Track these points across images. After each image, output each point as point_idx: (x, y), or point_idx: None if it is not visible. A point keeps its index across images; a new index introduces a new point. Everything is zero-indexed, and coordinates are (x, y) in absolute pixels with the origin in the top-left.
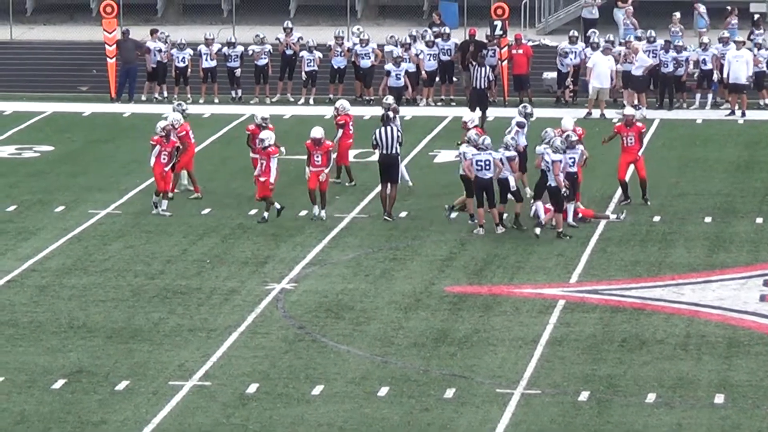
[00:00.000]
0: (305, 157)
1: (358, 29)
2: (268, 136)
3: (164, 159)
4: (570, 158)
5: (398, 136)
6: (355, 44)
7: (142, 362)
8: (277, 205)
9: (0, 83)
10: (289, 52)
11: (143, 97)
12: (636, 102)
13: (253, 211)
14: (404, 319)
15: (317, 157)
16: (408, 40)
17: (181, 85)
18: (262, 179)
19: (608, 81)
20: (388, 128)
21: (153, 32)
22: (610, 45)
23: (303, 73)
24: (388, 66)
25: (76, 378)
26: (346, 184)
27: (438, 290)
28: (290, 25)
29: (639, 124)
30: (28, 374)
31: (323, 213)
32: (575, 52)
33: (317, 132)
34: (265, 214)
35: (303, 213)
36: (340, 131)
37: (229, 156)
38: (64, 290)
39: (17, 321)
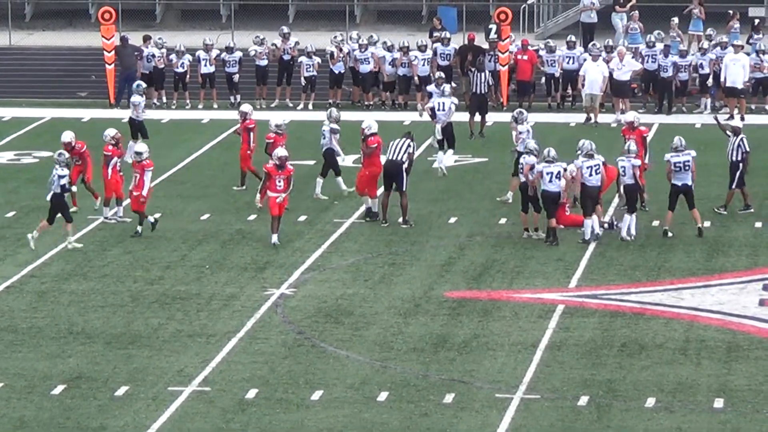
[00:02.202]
0: (306, 162)
1: (357, 34)
2: (144, 149)
3: (119, 168)
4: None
5: (409, 145)
6: (353, 49)
7: (141, 368)
8: (151, 219)
9: None
10: (286, 57)
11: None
12: (622, 107)
13: (252, 217)
14: (403, 324)
15: (279, 181)
16: (405, 43)
17: (180, 90)
18: (135, 193)
19: (599, 87)
20: (402, 140)
21: (146, 39)
22: (599, 51)
23: (302, 79)
24: (431, 87)
25: (75, 384)
26: (235, 188)
27: (437, 295)
28: (287, 30)
29: (642, 128)
30: (28, 380)
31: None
32: (573, 57)
33: (282, 152)
34: (139, 228)
35: (302, 218)
36: (252, 135)
37: (228, 161)
38: (63, 296)
39: (16, 327)
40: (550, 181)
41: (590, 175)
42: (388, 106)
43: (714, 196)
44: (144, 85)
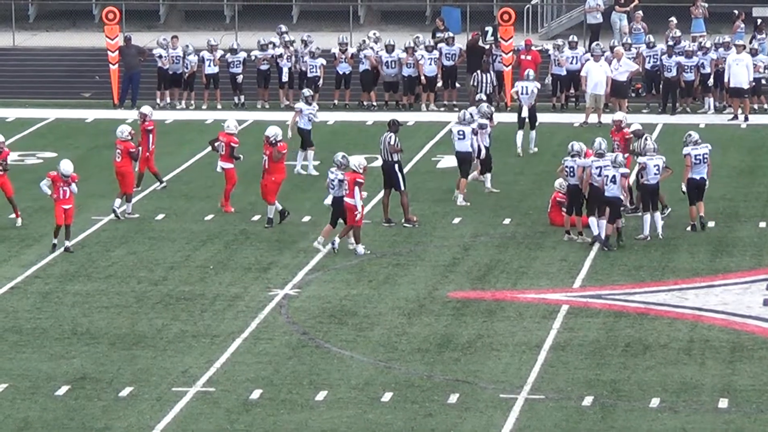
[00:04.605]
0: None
1: (374, 34)
2: (69, 166)
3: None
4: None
5: (389, 141)
6: (367, 48)
7: (145, 368)
8: (57, 241)
9: (3, 90)
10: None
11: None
12: (622, 108)
13: (256, 217)
14: (407, 324)
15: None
16: (410, 43)
17: (186, 90)
18: (65, 206)
19: (603, 87)
20: (384, 136)
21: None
22: (601, 51)
23: (284, 76)
24: (471, 109)
25: (79, 384)
26: (158, 188)
27: (441, 296)
28: (284, 29)
29: (626, 130)
30: (32, 381)
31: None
32: (576, 57)
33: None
34: (68, 243)
35: (306, 219)
36: (150, 137)
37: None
38: (67, 297)
39: (21, 327)
40: (571, 175)
41: (598, 175)
42: (391, 106)
43: (718, 196)
44: (309, 92)
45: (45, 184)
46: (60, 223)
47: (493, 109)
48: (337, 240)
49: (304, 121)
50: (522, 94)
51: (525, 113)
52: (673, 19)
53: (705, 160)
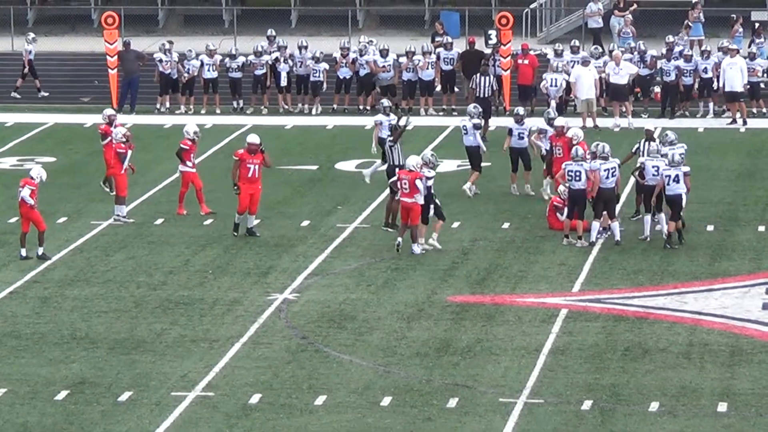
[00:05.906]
0: (309, 167)
1: (364, 39)
2: (39, 173)
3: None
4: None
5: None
6: (368, 53)
7: (144, 373)
8: (25, 251)
9: (1, 94)
10: (270, 60)
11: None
12: (623, 110)
13: (255, 222)
14: (407, 328)
15: (405, 183)
16: (412, 48)
17: (185, 95)
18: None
19: (593, 91)
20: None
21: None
22: (589, 57)
23: (282, 80)
24: (511, 124)
25: (78, 389)
26: (107, 190)
27: (440, 300)
28: (273, 33)
29: (569, 135)
30: (31, 386)
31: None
32: (576, 61)
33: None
34: (40, 250)
35: (305, 223)
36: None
37: (231, 166)
38: (66, 301)
39: (20, 332)
40: (577, 179)
41: (606, 177)
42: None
43: (717, 199)
44: (387, 103)
45: (27, 193)
46: (44, 228)
47: (556, 114)
48: (434, 237)
49: (385, 132)
50: (551, 86)
51: (553, 112)
52: (689, 23)
53: (682, 160)
